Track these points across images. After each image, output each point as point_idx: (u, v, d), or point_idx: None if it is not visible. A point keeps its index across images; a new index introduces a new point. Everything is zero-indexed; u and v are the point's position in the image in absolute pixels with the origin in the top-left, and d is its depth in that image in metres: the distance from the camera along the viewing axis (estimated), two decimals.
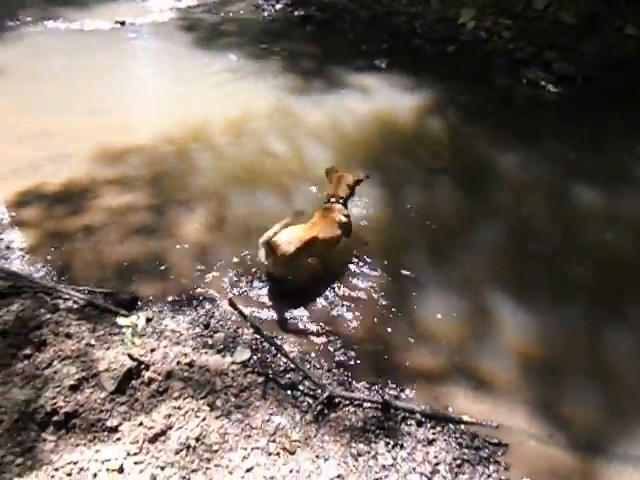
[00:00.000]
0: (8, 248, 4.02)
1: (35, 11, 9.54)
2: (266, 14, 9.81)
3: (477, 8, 8.34)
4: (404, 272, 3.82)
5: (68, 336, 3.04)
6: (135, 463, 2.41)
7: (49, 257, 3.96)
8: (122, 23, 9.09)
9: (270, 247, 3.38)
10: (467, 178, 4.98)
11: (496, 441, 2.74)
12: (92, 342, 3.03)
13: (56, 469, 2.32)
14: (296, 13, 9.59)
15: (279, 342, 3.20)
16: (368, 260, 3.89)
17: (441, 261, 3.97)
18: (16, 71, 7.14)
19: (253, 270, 3.79)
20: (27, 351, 2.95)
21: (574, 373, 3.15)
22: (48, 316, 3.18)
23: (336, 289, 3.65)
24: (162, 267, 3.87)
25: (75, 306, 3.43)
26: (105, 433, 2.56)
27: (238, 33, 8.87)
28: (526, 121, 6.03)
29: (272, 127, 5.78)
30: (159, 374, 2.84)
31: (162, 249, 4.05)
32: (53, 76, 7.07)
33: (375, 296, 3.62)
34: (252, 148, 5.40)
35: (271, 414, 2.77)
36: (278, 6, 10.02)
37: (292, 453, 2.58)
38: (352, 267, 3.84)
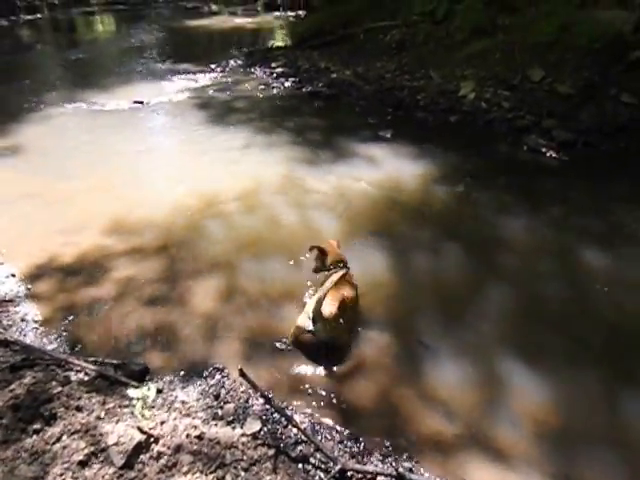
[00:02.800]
0: (22, 320, 4.09)
1: (60, 94, 10.20)
2: (275, 91, 10.36)
3: (476, 80, 8.78)
4: (414, 338, 3.80)
5: (78, 409, 3.03)
6: None
7: (62, 329, 4.01)
8: (140, 102, 9.63)
9: (316, 312, 3.47)
10: (474, 243, 5.05)
11: None
12: (102, 415, 3.02)
13: None
14: (304, 90, 10.12)
15: (290, 412, 3.15)
16: (378, 326, 3.89)
17: (452, 327, 3.96)
18: (38, 147, 7.54)
19: (263, 340, 3.80)
20: (37, 425, 2.94)
21: (592, 442, 3.06)
22: (59, 389, 3.19)
23: (346, 357, 3.64)
24: (173, 338, 3.90)
25: (86, 378, 3.43)
26: None
27: (249, 109, 9.36)
28: (530, 186, 6.17)
29: (282, 197, 5.96)
30: (168, 448, 2.80)
31: (173, 320, 4.09)
32: (72, 152, 7.44)
33: (386, 363, 3.59)
34: (262, 218, 5.55)
35: None
36: (287, 84, 10.60)
37: None
38: (362, 334, 3.83)
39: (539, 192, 5.97)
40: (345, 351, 3.67)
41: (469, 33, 10.15)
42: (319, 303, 3.49)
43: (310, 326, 3.55)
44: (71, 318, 4.12)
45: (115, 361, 3.62)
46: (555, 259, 4.78)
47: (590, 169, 6.35)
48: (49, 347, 3.78)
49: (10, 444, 2.80)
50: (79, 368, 3.51)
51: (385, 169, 6.56)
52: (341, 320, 3.61)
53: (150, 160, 7.39)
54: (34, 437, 2.86)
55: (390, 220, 5.42)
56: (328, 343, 3.62)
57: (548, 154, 6.72)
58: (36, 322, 4.09)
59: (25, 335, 3.91)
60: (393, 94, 9.29)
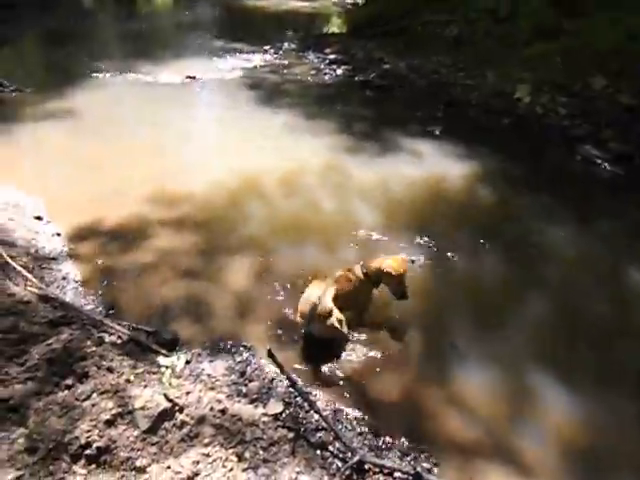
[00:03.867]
0: (64, 279, 4.22)
1: (115, 63, 10.40)
2: (327, 77, 10.30)
3: (534, 84, 8.49)
4: (445, 339, 3.74)
5: (109, 370, 3.11)
6: None
7: (100, 291, 4.12)
8: (193, 78, 9.73)
9: (311, 310, 3.49)
10: (516, 250, 4.91)
11: None
12: (131, 379, 3.09)
13: None
14: (356, 78, 10.02)
15: (313, 398, 3.16)
16: (410, 323, 3.85)
17: (484, 332, 3.88)
18: (93, 115, 7.73)
19: (294, 323, 3.81)
20: (69, 381, 3.03)
21: (618, 467, 2.95)
22: (93, 348, 3.28)
23: (376, 350, 3.61)
24: (204, 311, 3.96)
25: (119, 341, 3.52)
26: (133, 473, 2.57)
27: (299, 93, 9.34)
28: (579, 198, 5.96)
29: (323, 184, 5.95)
30: (192, 418, 2.84)
31: (206, 293, 4.15)
32: (124, 122, 7.62)
33: (414, 360, 3.55)
34: (302, 202, 5.55)
35: (298, 473, 2.71)
36: (339, 71, 10.51)
37: None
38: (393, 329, 3.79)
39: (589, 204, 5.76)
40: (359, 346, 3.66)
41: (531, 34, 9.81)
42: (315, 302, 3.50)
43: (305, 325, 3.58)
44: (108, 281, 4.23)
45: (148, 328, 3.70)
46: (600, 276, 4.61)
47: None
48: (86, 307, 3.89)
49: (43, 396, 2.90)
50: (113, 331, 3.60)
51: (430, 166, 6.45)
52: (336, 318, 3.56)
53: (197, 135, 7.48)
54: (65, 392, 2.95)
55: (431, 218, 5.33)
56: (322, 339, 3.60)
57: (602, 166, 6.47)
58: (76, 282, 4.21)
59: (65, 293, 4.04)
60: (446, 90, 9.10)
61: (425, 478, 2.74)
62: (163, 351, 3.44)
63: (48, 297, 3.83)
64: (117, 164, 6.12)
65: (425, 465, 2.86)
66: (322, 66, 10.85)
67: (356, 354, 3.58)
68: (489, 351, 3.70)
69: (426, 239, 4.85)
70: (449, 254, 4.70)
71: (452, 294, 4.23)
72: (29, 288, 3.89)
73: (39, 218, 5.00)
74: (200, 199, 5.51)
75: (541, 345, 3.77)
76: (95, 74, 9.77)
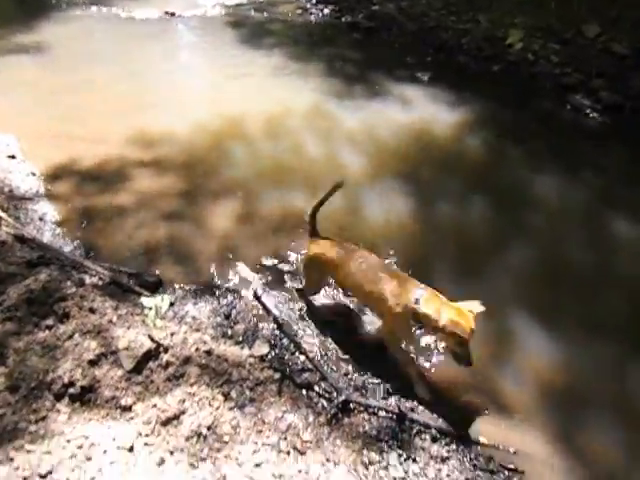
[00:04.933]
0: (41, 219, 4.08)
1: None
2: (313, 18, 9.86)
3: (526, 30, 8.24)
4: (427, 284, 3.74)
5: (91, 311, 3.05)
6: (145, 444, 2.39)
7: (78, 233, 4.01)
8: (172, 14, 9.25)
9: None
10: (501, 199, 4.88)
11: (512, 467, 2.64)
12: (114, 320, 3.04)
13: (68, 441, 2.31)
14: (343, 19, 9.62)
15: (299, 340, 3.15)
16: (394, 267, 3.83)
17: (467, 278, 3.88)
18: (64, 51, 7.32)
19: (278, 267, 3.76)
20: (50, 322, 2.97)
21: (597, 406, 3.04)
22: (73, 289, 3.20)
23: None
24: (188, 254, 3.89)
25: (100, 283, 3.44)
26: (118, 411, 2.55)
27: (283, 33, 8.95)
28: (567, 147, 5.90)
29: (309, 128, 5.78)
30: (177, 358, 2.82)
31: (189, 236, 4.06)
32: (98, 58, 7.23)
33: None
34: (287, 146, 5.40)
35: (284, 412, 2.73)
36: (326, 10, 10.06)
37: (302, 453, 2.53)
38: None
39: (576, 154, 5.70)
40: (333, 294, 3.62)
41: None
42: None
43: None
44: (87, 223, 4.12)
45: (129, 270, 3.63)
46: (583, 224, 4.62)
47: (636, 137, 6.03)
48: (65, 249, 3.79)
49: (23, 336, 2.84)
50: (94, 272, 3.52)
51: (419, 112, 6.29)
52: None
53: (177, 75, 7.15)
54: (46, 332, 2.89)
55: (418, 164, 5.24)
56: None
57: (591, 116, 6.38)
58: (53, 223, 4.09)
59: (42, 234, 3.92)
60: (436, 34, 8.77)
61: (409, 417, 2.80)
62: (146, 293, 3.38)
63: (25, 237, 3.71)
64: (93, 103, 5.85)
65: (408, 405, 2.91)
66: (308, 5, 10.35)
67: (341, 297, 3.57)
68: (472, 295, 3.69)
69: (412, 185, 4.78)
70: (435, 200, 4.65)
71: (437, 240, 4.20)
72: (4, 228, 3.76)
73: (12, 157, 4.79)
74: (181, 141, 5.33)
75: (524, 290, 3.80)
76: (66, 6, 9.18)
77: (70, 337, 2.84)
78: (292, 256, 3.88)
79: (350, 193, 4.56)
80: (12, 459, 2.20)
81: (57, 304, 3.07)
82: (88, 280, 3.44)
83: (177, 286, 3.58)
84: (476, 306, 2.78)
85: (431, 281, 3.67)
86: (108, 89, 6.21)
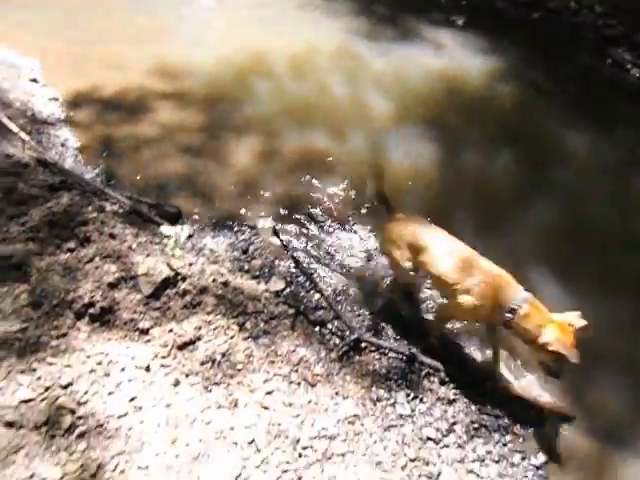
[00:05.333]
0: (63, 145, 4.07)
1: None
2: None
3: None
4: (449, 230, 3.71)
5: (112, 236, 3.08)
6: (162, 366, 2.46)
7: (99, 160, 4.00)
8: None
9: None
10: (529, 152, 4.74)
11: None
12: (134, 246, 3.07)
13: (88, 356, 2.39)
14: None
15: (315, 278, 3.17)
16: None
17: (487, 229, 3.83)
18: None
19: (297, 207, 3.74)
20: (71, 244, 3.00)
21: (608, 363, 3.06)
22: (94, 215, 3.22)
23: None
24: (207, 188, 3.88)
25: (120, 211, 3.47)
26: (136, 333, 2.62)
27: None
28: (603, 103, 5.66)
29: (335, 68, 5.59)
30: (194, 287, 2.86)
31: (209, 171, 4.04)
32: None
33: None
34: (312, 85, 5.25)
35: (297, 346, 2.78)
36: None
37: (312, 386, 2.60)
38: None
39: (612, 111, 5.47)
40: (364, 233, 3.64)
41: None
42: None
43: None
44: (108, 151, 4.10)
45: (149, 200, 3.64)
46: (611, 183, 4.49)
47: None
48: (86, 175, 3.79)
49: (45, 256, 2.88)
50: (114, 200, 3.54)
51: (450, 58, 6.03)
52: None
53: (201, 8, 6.88)
54: (67, 254, 2.93)
55: (446, 112, 5.08)
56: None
57: (632, 72, 6.08)
58: (75, 149, 4.08)
59: (64, 160, 3.91)
60: None
61: (419, 359, 2.84)
62: (166, 224, 3.40)
63: (47, 162, 3.71)
64: (114, 28, 5.68)
65: (419, 347, 2.94)
66: None
67: (360, 239, 3.56)
68: (490, 247, 3.65)
69: (439, 133, 4.66)
70: (460, 149, 4.54)
71: (459, 189, 4.14)
72: (27, 151, 3.75)
73: (35, 81, 4.71)
74: (204, 74, 5.18)
75: (544, 245, 3.75)
76: None
77: (91, 260, 2.88)
78: (311, 195, 3.85)
79: (374, 136, 4.47)
80: (34, 370, 2.29)
81: (78, 228, 3.10)
82: (109, 207, 3.46)
83: (196, 219, 3.59)
84: (576, 319, 2.54)
85: (447, 228, 3.68)
86: (130, 15, 6.01)
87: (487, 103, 5.34)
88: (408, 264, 2.87)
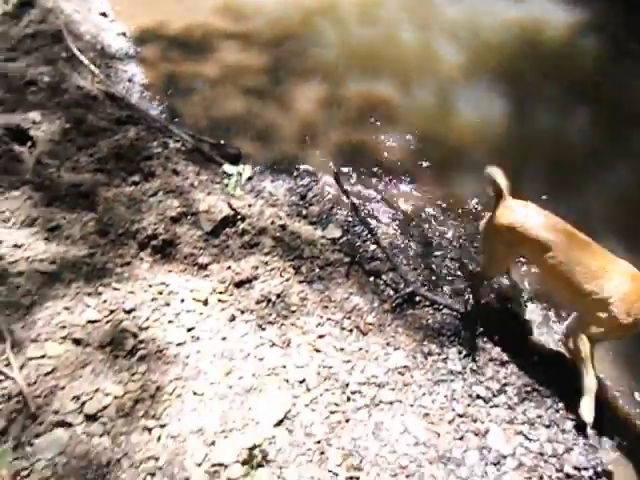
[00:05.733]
0: (130, 81, 4.11)
1: None
2: None
3: None
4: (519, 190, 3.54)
5: (175, 172, 3.13)
6: (219, 300, 2.51)
7: (164, 97, 4.03)
8: None
9: None
10: (608, 113, 4.39)
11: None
12: (195, 184, 3.11)
13: (150, 285, 2.47)
14: None
15: (374, 229, 3.12)
16: (475, 170, 3.64)
17: (558, 192, 3.61)
18: None
19: (359, 154, 3.66)
20: (136, 178, 3.07)
21: None
22: (159, 150, 3.27)
23: (441, 190, 3.49)
24: (268, 131, 3.86)
25: (183, 149, 3.50)
26: (195, 268, 2.68)
27: None
28: None
29: (405, 15, 5.31)
30: (253, 228, 2.88)
31: (271, 114, 4.00)
32: None
33: (481, 209, 3.40)
34: (380, 32, 5.02)
35: (351, 294, 2.78)
36: None
37: (364, 334, 2.60)
38: (459, 176, 3.61)
39: None
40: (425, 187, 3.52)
41: None
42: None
43: None
44: (174, 89, 4.11)
45: (212, 140, 3.65)
46: None
47: None
48: (151, 112, 3.83)
49: (112, 188, 2.96)
50: (178, 138, 3.57)
51: (529, 8, 5.59)
52: None
53: None
54: (132, 187, 3.00)
55: (521, 66, 4.76)
56: None
57: None
58: (141, 85, 4.12)
59: (131, 95, 3.96)
60: None
61: (474, 317, 2.78)
62: (225, 163, 3.41)
63: (115, 96, 3.77)
64: None
65: (475, 306, 2.87)
66: None
67: (422, 192, 3.47)
68: (562, 210, 3.49)
69: (512, 87, 4.40)
70: (535, 106, 4.28)
71: (531, 148, 3.92)
72: (96, 84, 3.82)
73: (104, 15, 4.74)
74: (270, 16, 5.05)
75: (616, 212, 3.53)
76: None
77: (155, 194, 2.94)
78: (373, 145, 3.75)
79: (442, 88, 4.28)
80: (100, 293, 2.39)
81: (143, 162, 3.16)
82: (172, 144, 3.50)
83: (256, 161, 3.58)
84: None
85: (515, 187, 3.50)
86: None
87: (566, 58, 4.97)
88: (502, 259, 2.60)
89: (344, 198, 3.08)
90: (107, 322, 2.26)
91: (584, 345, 2.37)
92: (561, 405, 2.52)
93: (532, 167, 3.78)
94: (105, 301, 2.34)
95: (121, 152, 3.17)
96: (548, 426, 2.42)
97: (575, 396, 2.44)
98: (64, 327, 2.18)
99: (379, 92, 4.21)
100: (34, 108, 3.32)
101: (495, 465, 2.22)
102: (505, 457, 2.26)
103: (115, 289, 2.41)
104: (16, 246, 2.47)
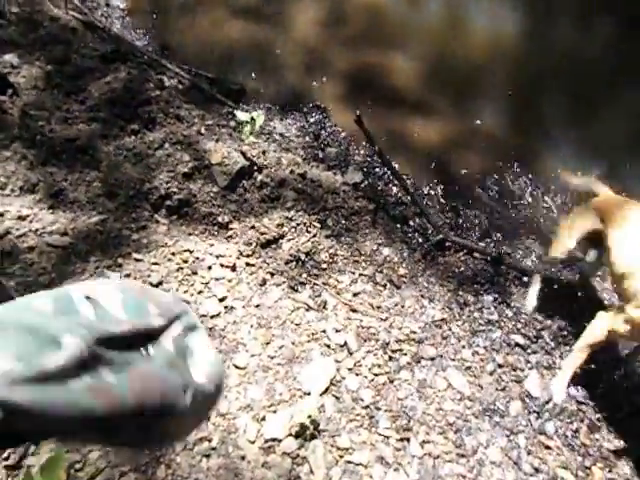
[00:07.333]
0: (107, 5, 3.64)
1: None
2: None
3: None
4: (536, 122, 3.36)
5: (178, 119, 2.84)
6: (247, 264, 2.38)
7: (150, 25, 3.61)
8: None
9: None
10: (633, 26, 4.10)
11: None
12: (202, 131, 2.84)
13: (173, 253, 2.31)
14: None
15: (399, 171, 2.93)
16: (500, 98, 3.41)
17: (577, 114, 3.45)
18: None
19: (369, 82, 3.38)
20: (135, 126, 2.78)
21: None
22: (157, 92, 2.95)
23: (462, 125, 3.27)
24: (271, 61, 3.51)
25: (180, 86, 3.17)
26: (216, 228, 2.51)
27: None
28: None
29: None
30: (272, 180, 2.68)
31: (271, 40, 3.62)
32: None
33: (504, 144, 3.22)
34: None
35: (379, 244, 2.65)
36: None
37: (398, 287, 2.52)
38: (478, 104, 3.38)
39: None
40: (447, 125, 3.28)
41: None
42: None
43: None
44: (159, 14, 3.66)
45: (209, 74, 3.31)
46: None
47: None
48: (138, 43, 3.43)
49: (110, 139, 2.69)
50: (172, 74, 3.22)
51: None
52: None
53: None
54: (133, 137, 2.73)
55: None
56: None
57: None
58: (122, 10, 3.65)
59: (112, 23, 3.53)
60: None
61: (505, 262, 2.71)
62: (229, 102, 3.12)
63: (95, 25, 3.35)
64: None
65: (506, 249, 2.80)
66: None
67: (439, 126, 3.25)
68: (581, 135, 3.34)
69: None
70: (553, 19, 3.95)
71: (549, 67, 3.66)
72: (71, 12, 3.36)
73: None
74: None
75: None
76: None
77: (160, 146, 2.68)
78: (383, 70, 3.46)
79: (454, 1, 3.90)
80: (120, 265, 2.23)
81: (141, 107, 2.85)
82: (167, 82, 3.16)
83: (261, 98, 3.29)
84: None
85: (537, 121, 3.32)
86: None
87: None
88: (577, 229, 2.35)
89: (368, 144, 2.85)
90: None
91: (593, 332, 2.17)
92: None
93: (550, 87, 3.56)
94: (129, 275, 2.18)
95: (114, 97, 2.85)
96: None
97: None
98: None
99: (385, 6, 3.81)
100: (7, 48, 2.92)
101: (537, 413, 2.25)
102: (547, 403, 2.29)
103: (137, 260, 2.25)
104: (20, 218, 2.25)
